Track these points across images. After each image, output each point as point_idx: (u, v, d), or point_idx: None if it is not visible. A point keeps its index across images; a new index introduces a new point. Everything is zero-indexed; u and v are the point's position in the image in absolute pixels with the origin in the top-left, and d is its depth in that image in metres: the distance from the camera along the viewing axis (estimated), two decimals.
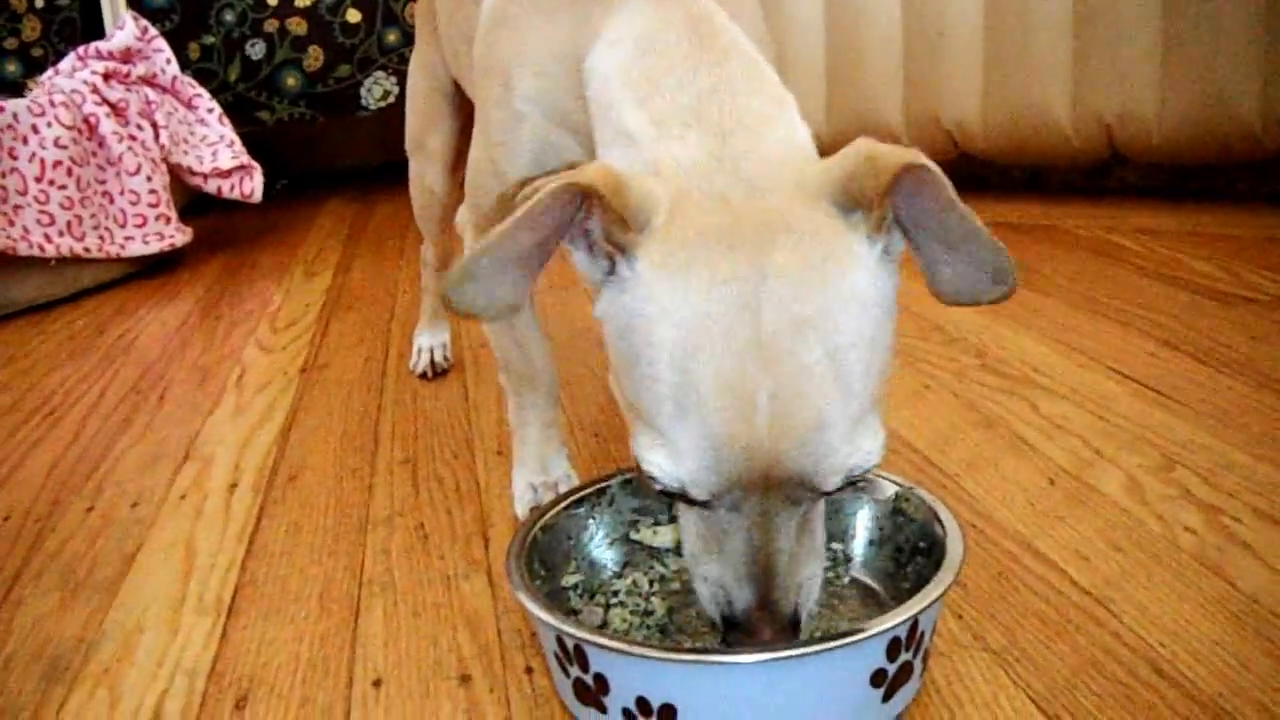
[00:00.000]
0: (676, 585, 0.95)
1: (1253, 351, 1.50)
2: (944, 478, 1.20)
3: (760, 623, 0.72)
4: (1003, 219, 2.39)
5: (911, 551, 0.94)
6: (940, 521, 0.89)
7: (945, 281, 0.73)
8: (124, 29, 2.58)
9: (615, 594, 0.94)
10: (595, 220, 0.72)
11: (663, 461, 0.68)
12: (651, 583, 0.95)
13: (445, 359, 1.67)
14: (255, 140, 2.86)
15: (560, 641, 0.79)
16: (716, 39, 0.83)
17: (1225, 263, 1.92)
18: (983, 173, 2.75)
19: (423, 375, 1.65)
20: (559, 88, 0.93)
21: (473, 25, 1.10)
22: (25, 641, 1.01)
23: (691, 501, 0.71)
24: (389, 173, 3.58)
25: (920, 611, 0.77)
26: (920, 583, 0.88)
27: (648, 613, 0.92)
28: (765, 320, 0.66)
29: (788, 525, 0.71)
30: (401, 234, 2.73)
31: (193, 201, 2.88)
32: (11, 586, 1.13)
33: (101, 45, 2.54)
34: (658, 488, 0.70)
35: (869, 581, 0.97)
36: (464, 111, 1.46)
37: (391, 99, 3.22)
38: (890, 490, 0.97)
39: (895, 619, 0.76)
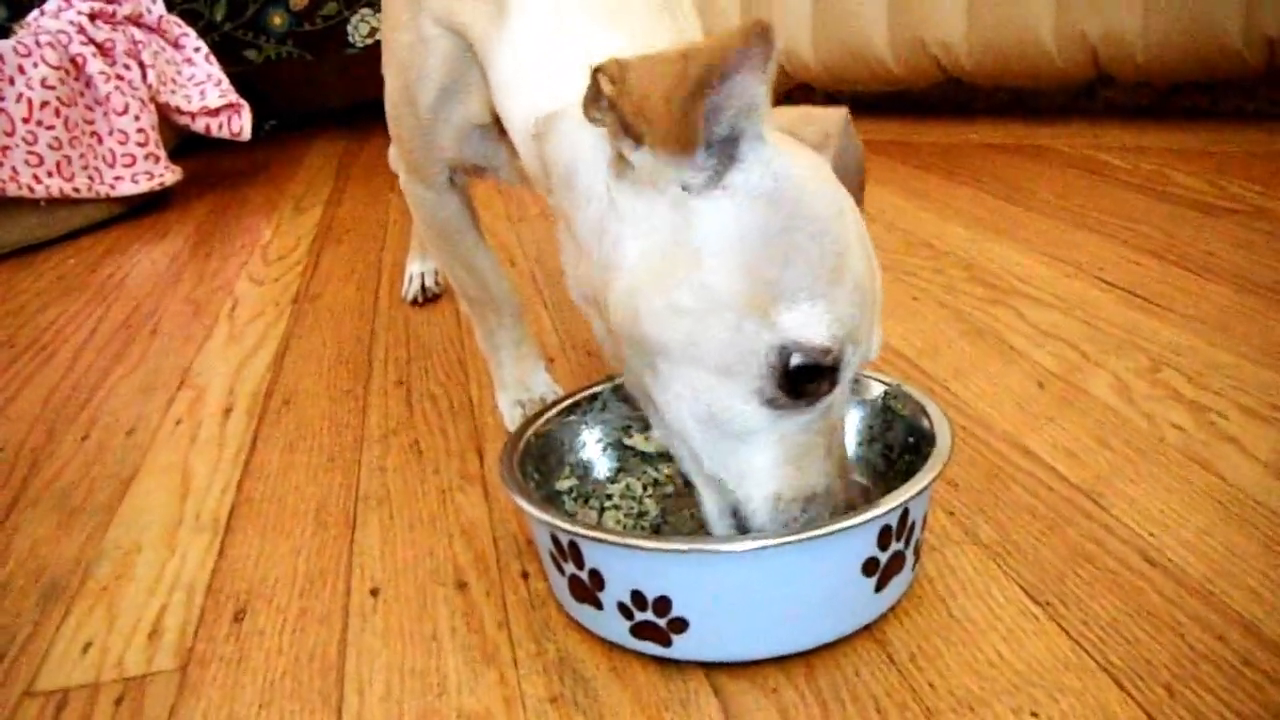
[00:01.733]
0: (670, 489, 0.96)
1: (1237, 259, 1.50)
2: (933, 384, 1.20)
3: (842, 489, 0.77)
4: (989, 140, 2.37)
5: (901, 449, 0.94)
6: (928, 416, 0.89)
7: None
8: None
9: (609, 497, 0.94)
10: (731, 93, 0.68)
11: (827, 326, 0.70)
12: (645, 486, 0.95)
13: (436, 284, 1.66)
14: (243, 80, 2.83)
15: (555, 539, 0.79)
16: None
17: (1210, 177, 1.91)
18: (969, 95, 2.73)
19: (414, 301, 1.65)
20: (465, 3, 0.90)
21: None
22: (23, 564, 1.02)
23: (812, 386, 0.72)
24: (377, 109, 3.56)
25: (910, 499, 0.77)
26: (910, 476, 0.88)
27: (641, 514, 0.93)
28: (856, 220, 0.76)
29: (843, 427, 0.79)
30: (389, 170, 2.71)
31: (182, 142, 2.86)
32: (8, 514, 1.13)
33: None
34: (817, 364, 0.71)
35: (861, 480, 0.97)
36: None
37: (379, 36, 3.18)
38: (878, 389, 0.97)
39: (885, 506, 0.76)
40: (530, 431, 0.92)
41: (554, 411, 0.96)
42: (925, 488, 0.78)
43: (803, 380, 0.71)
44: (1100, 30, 2.30)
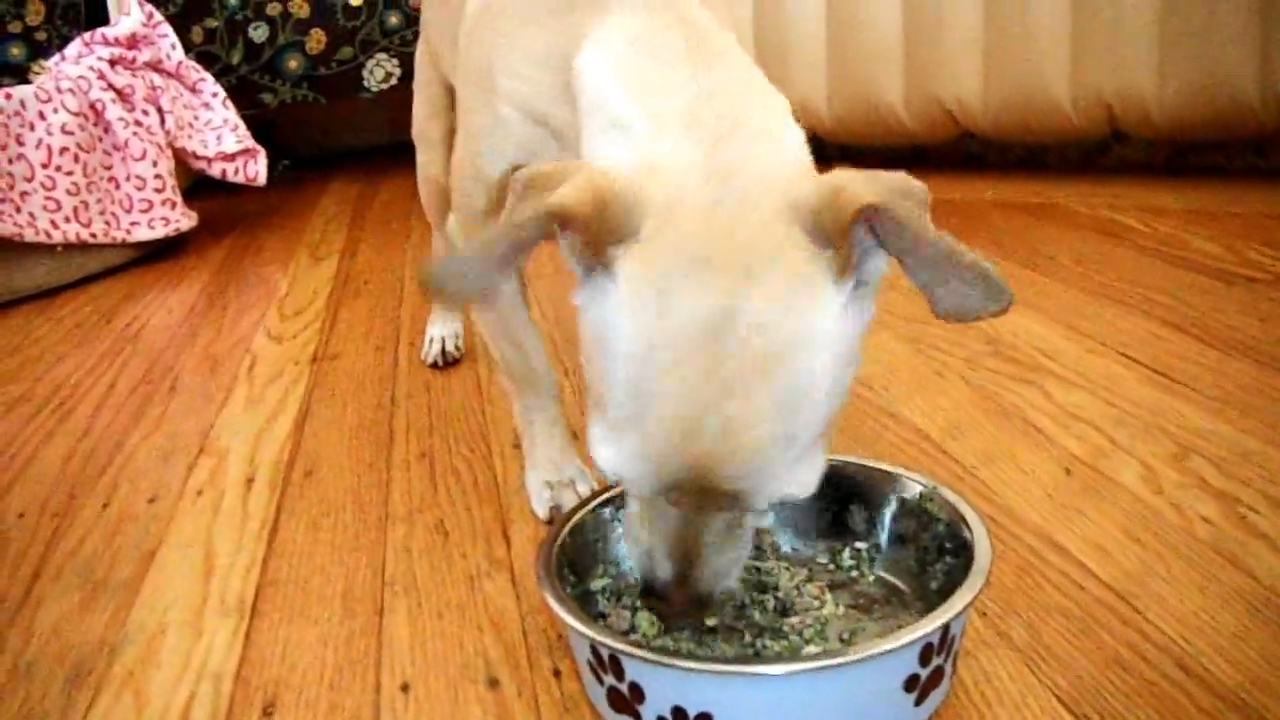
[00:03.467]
0: None
1: (1259, 333, 1.50)
2: (961, 470, 1.20)
3: (676, 595, 0.77)
4: (1006, 198, 2.38)
5: (938, 551, 0.94)
6: (966, 522, 0.89)
7: (940, 302, 0.72)
8: (130, 15, 2.55)
9: None
10: (569, 240, 0.72)
11: (609, 455, 0.71)
12: None
13: (457, 348, 1.66)
14: (257, 122, 2.84)
15: (595, 650, 0.79)
16: (711, 43, 0.84)
17: (1228, 241, 1.91)
18: (982, 150, 2.74)
19: (434, 365, 1.64)
20: (542, 90, 0.92)
21: (456, 24, 1.10)
22: (47, 645, 1.01)
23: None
24: (391, 154, 3.60)
25: (953, 618, 0.77)
26: (949, 582, 0.88)
27: None
28: (728, 354, 0.67)
29: (715, 523, 0.75)
30: (405, 217, 2.73)
31: (193, 184, 2.87)
32: (31, 585, 1.12)
33: (108, 31, 2.51)
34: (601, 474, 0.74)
35: (894, 580, 0.97)
36: None
37: (394, 81, 3.20)
38: (915, 489, 0.97)
39: (929, 626, 0.76)
40: (565, 530, 0.92)
41: (588, 508, 0.96)
42: (968, 605, 0.78)
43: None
44: (1116, 87, 2.31)
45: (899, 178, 0.70)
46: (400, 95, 3.22)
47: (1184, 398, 1.32)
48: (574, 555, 0.92)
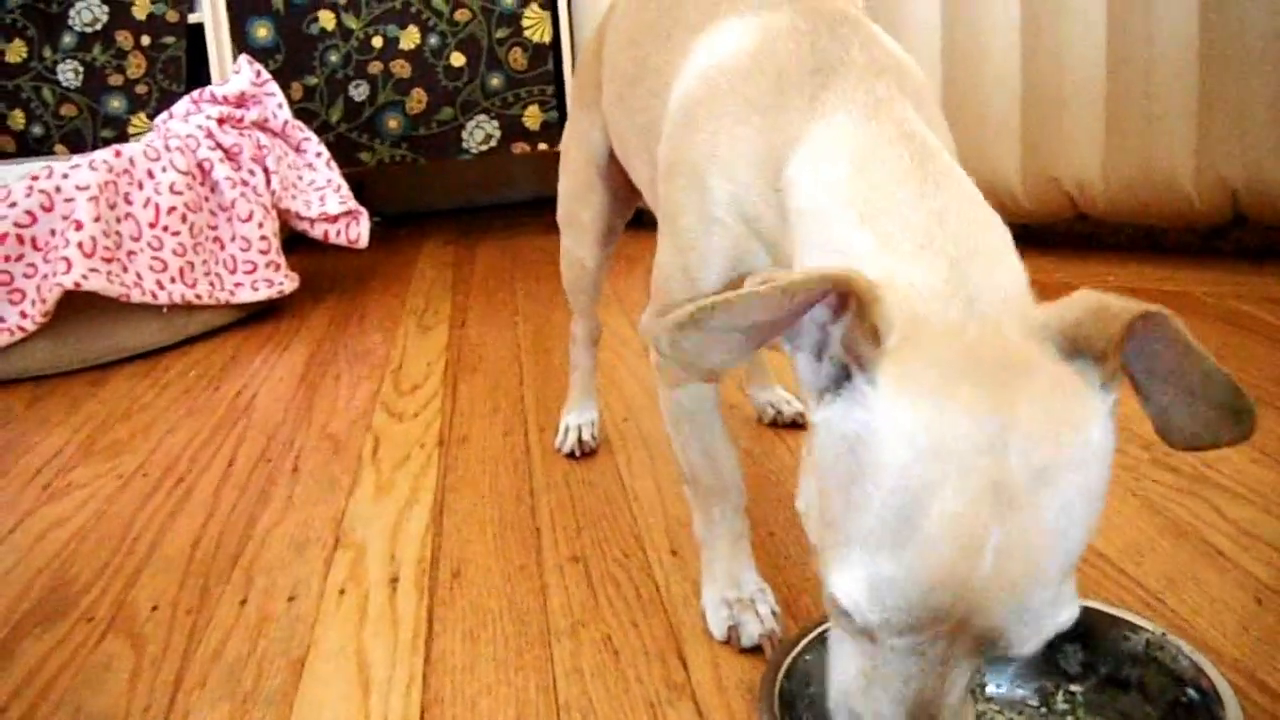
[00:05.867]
0: None
1: None
2: (1146, 594, 1.12)
3: None
4: (1126, 284, 2.30)
5: (1166, 705, 0.86)
6: (1207, 678, 0.82)
7: (1180, 427, 0.69)
8: (239, 73, 2.54)
9: None
10: (839, 325, 0.68)
11: (863, 593, 0.63)
12: None
13: (593, 437, 1.60)
14: (351, 180, 2.82)
15: None
16: (936, 159, 0.79)
17: None
18: (1095, 230, 2.66)
19: (570, 454, 1.58)
20: (754, 194, 0.88)
21: (652, 118, 1.06)
22: None
23: (871, 638, 0.67)
24: (487, 214, 3.58)
25: None
26: None
27: None
28: (1009, 465, 0.61)
29: (962, 679, 0.67)
30: (509, 284, 2.68)
31: (286, 241, 2.85)
32: (174, 693, 1.06)
33: (216, 90, 2.51)
34: (843, 619, 0.68)
35: None
36: (618, 183, 1.40)
37: (493, 143, 3.17)
38: (1142, 637, 0.90)
39: None
40: (781, 675, 0.85)
41: (799, 648, 0.89)
42: None
43: (852, 626, 0.67)
44: (1241, 172, 2.24)
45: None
46: (499, 156, 3.20)
47: None
48: (788, 698, 0.85)
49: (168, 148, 2.34)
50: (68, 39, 3.04)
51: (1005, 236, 0.76)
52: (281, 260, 2.50)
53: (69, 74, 3.06)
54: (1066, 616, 0.64)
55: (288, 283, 2.51)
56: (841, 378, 0.68)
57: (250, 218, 2.44)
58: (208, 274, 2.39)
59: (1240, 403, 0.66)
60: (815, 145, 0.83)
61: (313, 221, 2.59)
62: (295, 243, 2.84)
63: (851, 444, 0.65)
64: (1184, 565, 1.18)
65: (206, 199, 2.41)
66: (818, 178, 0.81)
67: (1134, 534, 1.25)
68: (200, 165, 2.40)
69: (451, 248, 3.28)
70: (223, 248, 2.43)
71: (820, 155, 0.82)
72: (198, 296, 2.34)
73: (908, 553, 0.62)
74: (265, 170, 2.49)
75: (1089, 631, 0.94)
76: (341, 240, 2.61)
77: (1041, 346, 0.66)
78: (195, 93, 2.53)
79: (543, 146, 3.19)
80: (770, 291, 0.65)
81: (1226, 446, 0.68)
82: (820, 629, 0.90)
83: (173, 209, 2.30)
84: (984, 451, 0.61)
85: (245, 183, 2.45)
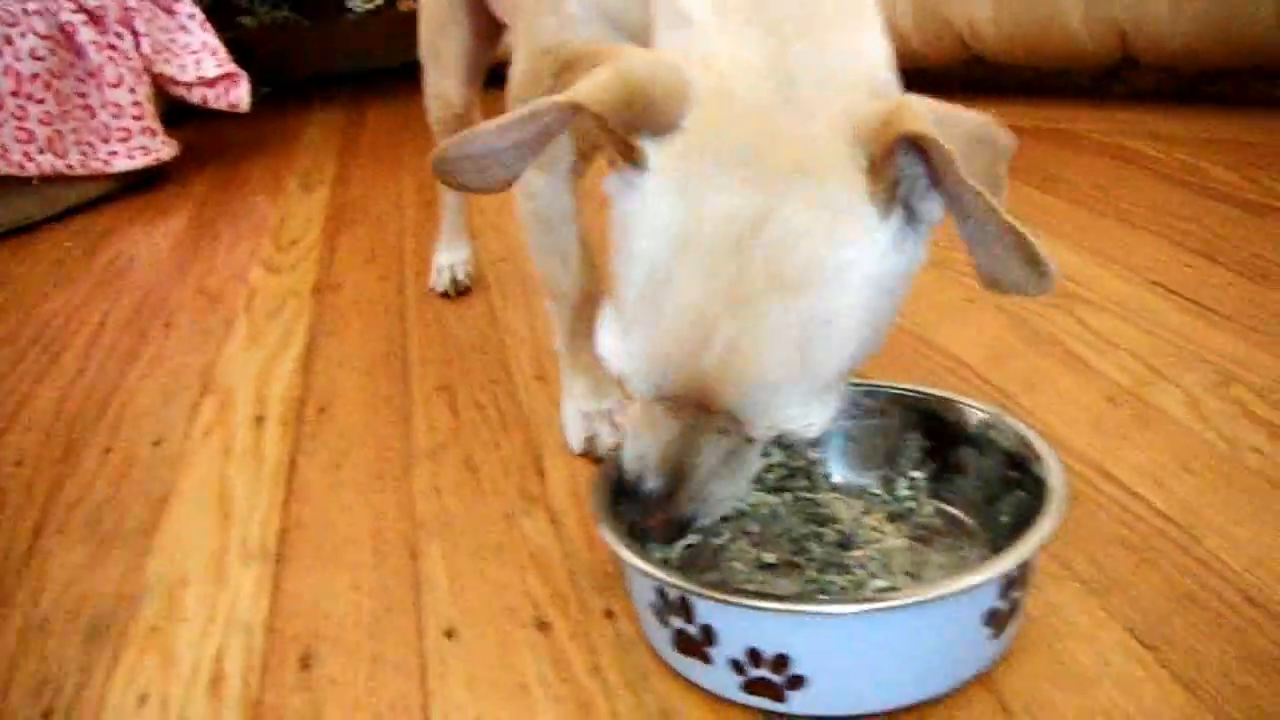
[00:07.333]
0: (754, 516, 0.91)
1: None
2: (1004, 397, 1.15)
3: (656, 510, 0.73)
4: (1017, 123, 2.29)
5: (1002, 482, 0.88)
6: (1033, 450, 0.85)
7: (981, 265, 0.66)
8: None
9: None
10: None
11: (616, 349, 0.69)
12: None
13: (467, 276, 1.59)
14: (236, 46, 2.73)
15: (661, 593, 0.73)
16: None
17: (1247, 172, 1.85)
18: (991, 73, 2.66)
19: (444, 294, 1.57)
20: None
21: None
22: (59, 600, 0.95)
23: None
24: (378, 79, 3.49)
25: (1035, 550, 0.74)
26: (1020, 514, 0.83)
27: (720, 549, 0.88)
28: (750, 269, 0.63)
29: (713, 447, 0.71)
30: (397, 146, 2.62)
31: (170, 111, 2.76)
32: (35, 539, 1.06)
33: None
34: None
35: (955, 511, 0.93)
36: (479, 14, 1.37)
37: (379, 2, 3.07)
38: (975, 416, 0.92)
39: (1013, 559, 0.72)
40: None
41: None
42: (1049, 535, 0.74)
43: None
44: (1130, 14, 2.24)
45: (981, 121, 0.65)
46: (385, 18, 3.11)
47: (1218, 326, 1.28)
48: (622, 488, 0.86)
49: (25, 12, 2.23)
50: None
51: (866, 23, 0.72)
52: (157, 126, 2.42)
53: None
54: (808, 422, 0.67)
55: (165, 149, 2.43)
56: (620, 157, 0.68)
57: (120, 82, 2.35)
58: (79, 143, 2.31)
59: (1026, 249, 0.61)
60: None
61: (190, 86, 2.50)
62: (181, 114, 2.75)
63: (623, 219, 0.68)
64: (1043, 371, 1.21)
65: (72, 65, 2.32)
66: None
67: (997, 344, 1.28)
68: (63, 29, 2.30)
69: (342, 112, 3.20)
70: (93, 115, 2.35)
71: None
72: (69, 167, 2.27)
73: (647, 330, 0.66)
74: (134, 33, 2.40)
75: (927, 419, 0.96)
76: (221, 104, 2.53)
77: (843, 148, 0.64)
78: None
79: None
80: (511, 121, 0.66)
81: (1029, 295, 0.64)
82: None
83: (35, 76, 2.21)
84: (729, 252, 0.63)
85: (113, 46, 2.36)
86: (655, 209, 0.65)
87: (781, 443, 0.70)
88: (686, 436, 0.71)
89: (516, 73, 0.97)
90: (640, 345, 0.67)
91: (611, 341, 0.69)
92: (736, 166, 0.64)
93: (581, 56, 0.67)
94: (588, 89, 0.64)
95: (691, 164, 0.65)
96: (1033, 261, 0.61)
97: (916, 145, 0.61)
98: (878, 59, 0.71)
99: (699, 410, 0.68)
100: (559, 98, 0.64)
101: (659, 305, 0.65)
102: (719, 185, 0.64)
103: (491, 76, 1.38)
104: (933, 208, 0.66)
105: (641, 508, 0.74)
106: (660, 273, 0.65)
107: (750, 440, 0.72)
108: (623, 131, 0.65)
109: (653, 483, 0.73)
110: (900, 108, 0.63)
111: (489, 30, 1.39)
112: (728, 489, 0.75)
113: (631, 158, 0.66)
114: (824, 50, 0.68)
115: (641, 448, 0.73)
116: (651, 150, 0.66)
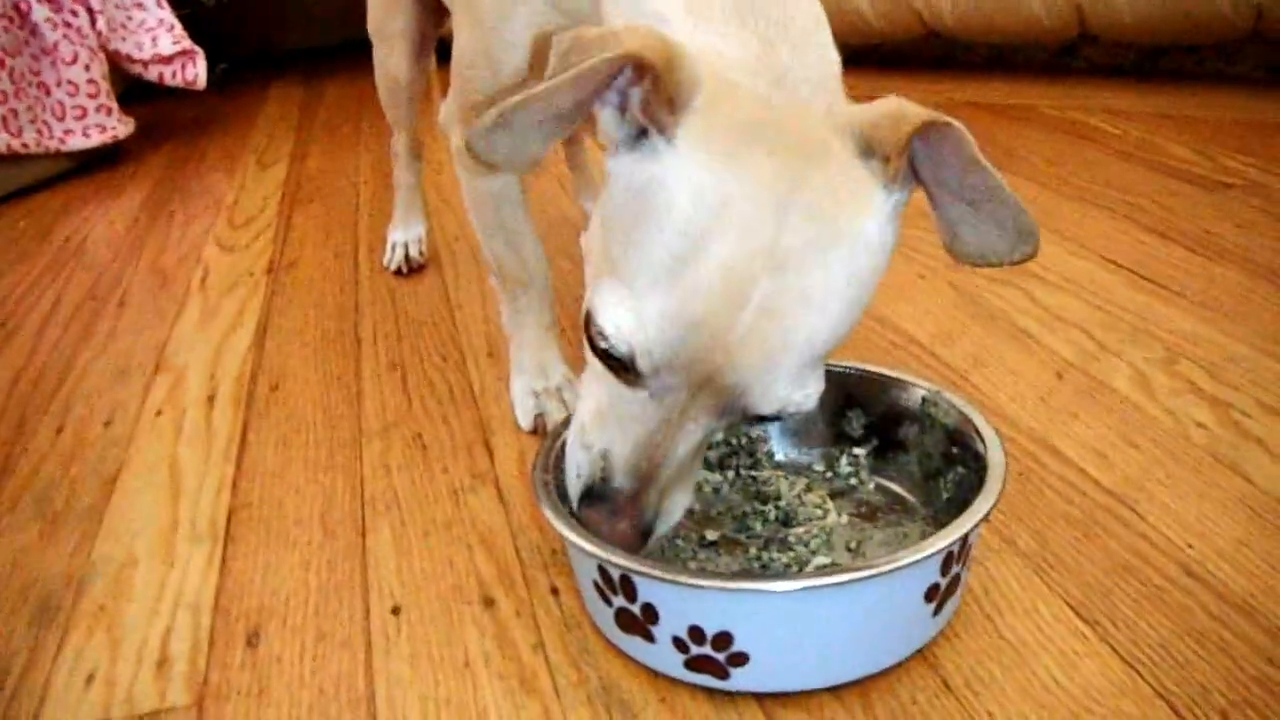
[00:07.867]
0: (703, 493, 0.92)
1: (1241, 240, 1.47)
2: (952, 374, 1.17)
3: (620, 516, 0.71)
4: (974, 99, 2.33)
5: (943, 458, 0.90)
6: (974, 428, 0.86)
7: (966, 240, 0.71)
8: None
9: None
10: (638, 90, 0.68)
11: (625, 321, 0.66)
12: None
13: (421, 254, 1.59)
14: (192, 22, 2.70)
15: (603, 571, 0.75)
16: None
17: (1201, 147, 1.88)
18: (948, 49, 2.67)
19: (397, 271, 1.58)
20: None
21: None
22: (7, 580, 0.96)
23: (623, 371, 0.69)
24: (336, 55, 3.46)
25: (974, 527, 0.74)
26: (960, 490, 0.85)
27: None
28: (787, 230, 0.64)
29: (693, 437, 0.70)
30: (354, 121, 2.61)
31: (128, 89, 2.73)
32: None
33: None
34: (601, 346, 0.68)
35: (895, 488, 0.95)
36: None
37: None
38: (917, 394, 0.94)
39: (953, 535, 0.73)
40: (559, 442, 0.87)
41: None
42: (988, 512, 0.75)
43: (608, 358, 0.69)
44: None
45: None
46: None
47: (1169, 302, 1.30)
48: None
49: None
50: None
51: (818, 21, 0.77)
52: (113, 104, 2.40)
53: None
54: (807, 394, 0.68)
55: (121, 126, 2.42)
56: (639, 135, 0.68)
57: (75, 60, 2.33)
58: (34, 121, 2.29)
59: (1023, 222, 0.68)
60: None
61: (146, 64, 2.49)
62: (141, 92, 2.72)
63: (640, 190, 0.67)
64: (991, 347, 1.23)
65: (26, 43, 2.29)
66: None
67: (947, 321, 1.30)
68: (17, 7, 2.27)
69: (300, 89, 3.18)
70: (48, 93, 2.33)
71: None
72: (24, 145, 2.24)
73: (678, 290, 0.64)
74: (89, 10, 2.37)
75: (869, 397, 0.98)
76: (178, 81, 2.52)
77: (839, 137, 0.68)
78: None
79: None
80: (565, 81, 0.65)
81: (1011, 265, 0.71)
82: None
83: None
84: (766, 213, 0.64)
85: (67, 24, 2.34)
86: (688, 173, 0.65)
87: (779, 416, 0.69)
88: (665, 427, 0.69)
89: (460, 50, 0.98)
90: (663, 311, 0.65)
91: (621, 314, 0.66)
92: (761, 142, 0.66)
93: (593, 39, 0.67)
94: (641, 45, 0.64)
95: (718, 134, 0.66)
96: (1028, 231, 0.68)
97: (929, 132, 0.65)
98: (835, 63, 0.76)
99: (696, 389, 0.67)
100: (618, 50, 0.64)
101: (693, 266, 0.64)
102: (751, 153, 0.65)
103: (444, 52, 1.38)
104: (908, 192, 0.70)
105: (608, 510, 0.72)
106: (695, 234, 0.64)
107: (742, 420, 0.71)
108: (662, 95, 0.66)
109: (620, 481, 0.71)
110: (900, 105, 0.67)
111: (436, 5, 1.39)
112: (685, 497, 0.74)
113: (659, 124, 0.67)
114: (803, 53, 0.73)
115: (606, 441, 0.72)
116: (680, 121, 0.66)
